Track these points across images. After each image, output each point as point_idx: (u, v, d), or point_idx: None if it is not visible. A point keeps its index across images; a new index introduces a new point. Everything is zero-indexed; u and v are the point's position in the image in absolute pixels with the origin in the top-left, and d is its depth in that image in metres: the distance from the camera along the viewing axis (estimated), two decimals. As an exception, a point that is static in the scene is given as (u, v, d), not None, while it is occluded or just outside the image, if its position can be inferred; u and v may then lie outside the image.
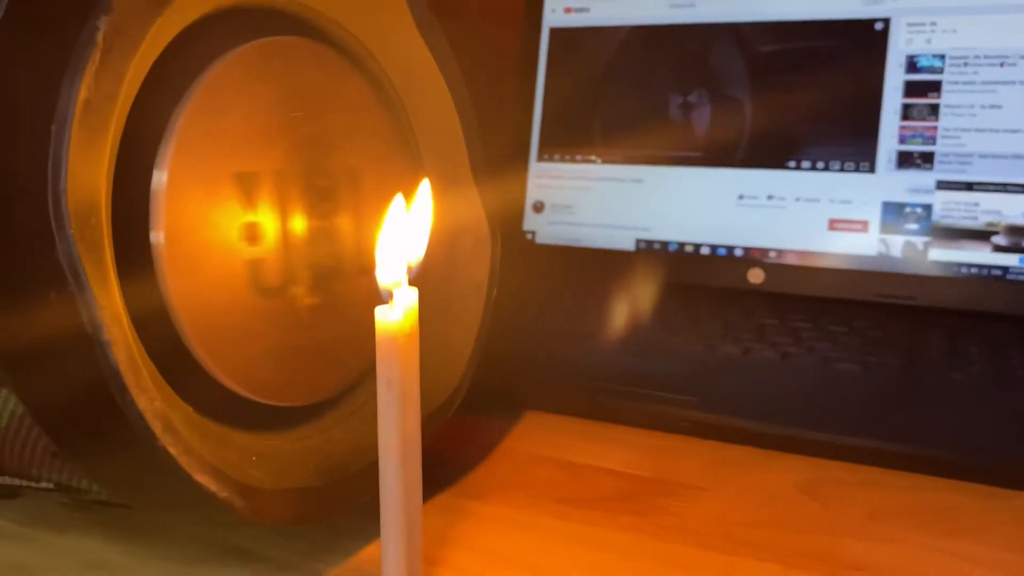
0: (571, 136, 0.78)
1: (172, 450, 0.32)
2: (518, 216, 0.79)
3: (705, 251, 0.73)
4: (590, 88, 0.78)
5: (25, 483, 0.41)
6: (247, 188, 0.38)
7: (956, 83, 0.67)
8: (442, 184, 0.47)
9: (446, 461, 0.51)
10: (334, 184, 0.42)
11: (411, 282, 0.36)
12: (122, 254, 0.33)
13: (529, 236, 0.78)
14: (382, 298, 0.35)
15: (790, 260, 0.71)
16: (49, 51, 0.31)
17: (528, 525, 0.45)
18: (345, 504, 0.40)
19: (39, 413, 0.34)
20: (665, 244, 0.74)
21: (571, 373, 0.60)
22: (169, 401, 0.34)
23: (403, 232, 0.35)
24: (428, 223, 0.37)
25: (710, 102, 0.74)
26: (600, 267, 0.76)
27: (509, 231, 0.78)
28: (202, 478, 0.33)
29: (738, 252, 0.72)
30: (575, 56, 0.79)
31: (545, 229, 0.78)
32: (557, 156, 0.78)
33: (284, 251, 0.40)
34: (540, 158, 0.79)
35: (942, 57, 0.68)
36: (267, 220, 0.39)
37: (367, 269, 0.35)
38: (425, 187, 0.36)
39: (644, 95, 0.76)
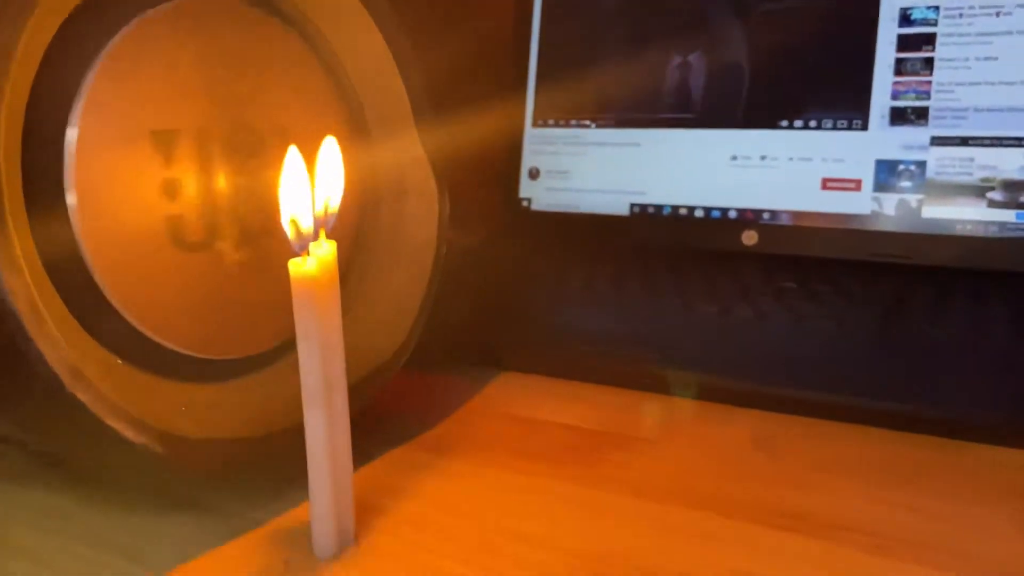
0: (566, 101, 0.78)
1: (82, 396, 0.33)
2: (514, 183, 0.79)
3: (699, 214, 0.72)
4: (584, 52, 0.77)
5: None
6: (165, 145, 0.38)
7: (950, 35, 0.65)
8: (388, 142, 0.48)
9: (407, 418, 0.52)
10: (261, 141, 0.42)
11: (331, 234, 0.37)
12: (38, 209, 0.34)
13: (525, 203, 0.78)
14: (295, 250, 0.35)
15: (783, 221, 0.70)
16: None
17: (474, 476, 0.45)
18: (278, 456, 0.41)
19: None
20: (659, 208, 0.74)
21: (547, 335, 0.61)
22: (84, 350, 0.35)
23: (305, 184, 0.35)
24: (340, 175, 0.37)
25: (703, 62, 0.73)
26: (595, 233, 0.75)
27: (505, 199, 0.79)
28: (116, 424, 0.34)
29: (732, 214, 0.71)
30: (569, 20, 0.78)
31: (541, 196, 0.78)
32: (552, 122, 0.78)
33: (207, 207, 0.40)
34: (535, 124, 0.79)
35: (936, 9, 0.66)
36: (188, 176, 0.40)
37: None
38: (331, 140, 0.37)
39: (637, 58, 0.75)
